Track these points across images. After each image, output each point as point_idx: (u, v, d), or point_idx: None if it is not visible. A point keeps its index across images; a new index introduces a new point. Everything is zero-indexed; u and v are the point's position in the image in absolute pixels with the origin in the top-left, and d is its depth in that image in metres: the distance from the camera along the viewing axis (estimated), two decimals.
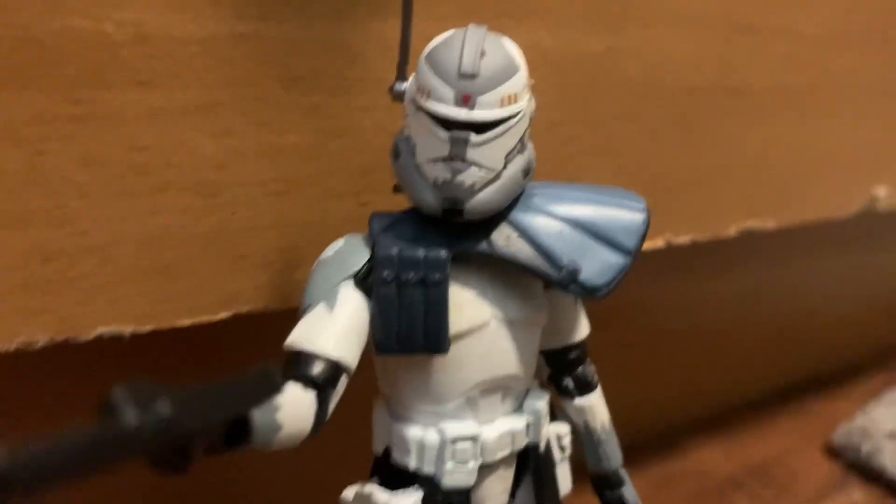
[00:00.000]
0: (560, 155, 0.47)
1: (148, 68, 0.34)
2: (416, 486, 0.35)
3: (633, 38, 0.49)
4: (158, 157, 0.35)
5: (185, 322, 0.38)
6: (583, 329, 0.40)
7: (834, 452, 0.74)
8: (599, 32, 0.47)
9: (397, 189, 0.35)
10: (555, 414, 0.40)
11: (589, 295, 0.35)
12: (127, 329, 0.36)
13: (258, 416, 0.27)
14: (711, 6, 0.53)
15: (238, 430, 0.27)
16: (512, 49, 0.33)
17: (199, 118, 0.35)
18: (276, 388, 0.25)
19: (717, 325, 0.75)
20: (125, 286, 0.36)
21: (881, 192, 0.67)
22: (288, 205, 0.38)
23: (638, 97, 0.50)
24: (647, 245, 0.53)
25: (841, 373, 0.88)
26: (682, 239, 0.55)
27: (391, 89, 0.34)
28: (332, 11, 0.38)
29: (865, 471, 0.71)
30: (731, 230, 0.58)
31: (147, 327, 0.37)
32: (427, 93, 0.32)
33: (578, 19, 0.46)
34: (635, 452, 0.70)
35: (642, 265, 0.63)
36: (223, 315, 0.38)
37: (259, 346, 0.34)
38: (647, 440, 0.72)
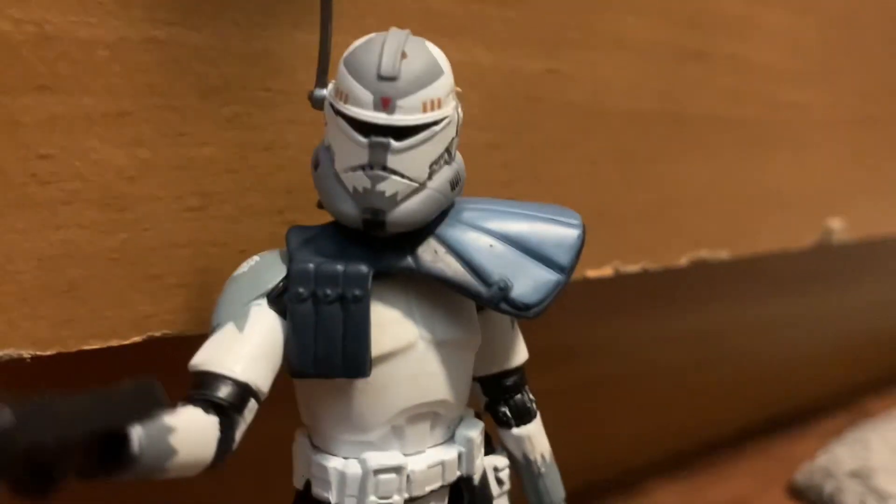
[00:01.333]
0: (498, 179, 0.45)
1: (50, 72, 0.32)
2: None
3: (573, 61, 0.48)
4: (62, 166, 0.33)
5: (93, 346, 0.35)
6: (520, 354, 0.38)
7: (796, 493, 0.72)
8: (538, 54, 0.46)
9: (321, 205, 0.33)
10: (492, 446, 0.38)
11: (521, 313, 0.33)
12: (26, 353, 0.34)
13: (143, 437, 0.24)
14: (656, 32, 0.52)
15: (115, 451, 0.24)
16: (436, 52, 0.32)
17: (108, 127, 0.33)
18: (155, 403, 0.23)
19: (676, 366, 0.73)
20: (25, 306, 0.33)
21: (835, 224, 0.66)
22: (205, 221, 0.36)
23: (579, 123, 0.49)
24: (597, 274, 0.52)
25: (802, 413, 0.86)
26: (632, 268, 0.53)
27: (310, 95, 0.33)
28: (252, 21, 0.36)
29: None
30: (683, 260, 0.56)
31: (50, 351, 0.34)
32: (345, 96, 0.30)
33: (516, 38, 0.45)
34: (593, 495, 0.68)
35: (597, 299, 0.62)
36: (135, 339, 0.36)
37: (174, 371, 0.32)
38: (604, 483, 0.70)
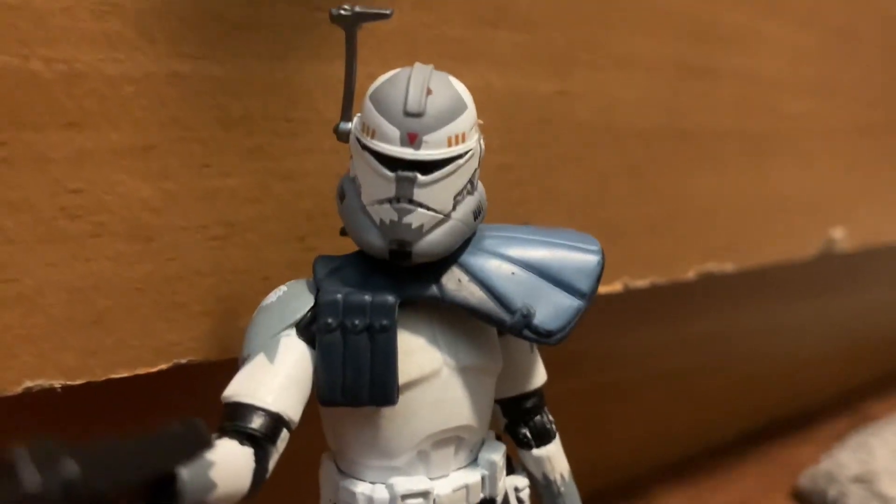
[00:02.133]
0: (510, 199, 0.46)
1: (78, 108, 0.32)
2: None
3: (582, 81, 0.48)
4: (90, 200, 0.33)
5: (121, 374, 0.36)
6: (539, 376, 0.39)
7: (800, 498, 0.73)
8: (548, 76, 0.46)
9: (344, 233, 0.34)
10: (512, 466, 0.39)
11: (543, 340, 0.34)
12: (57, 383, 0.34)
13: (188, 474, 0.25)
14: (661, 49, 0.53)
15: (164, 490, 0.24)
16: (459, 87, 0.32)
17: (134, 160, 0.34)
18: (203, 444, 0.23)
19: (680, 372, 0.74)
20: (55, 337, 0.34)
21: (837, 233, 0.67)
22: (228, 250, 0.37)
23: (589, 141, 0.49)
24: (606, 289, 0.53)
25: (805, 417, 0.87)
26: (641, 283, 0.54)
27: (336, 129, 0.33)
28: (273, 52, 0.36)
29: None
30: (690, 273, 0.57)
31: (79, 381, 0.35)
32: (372, 132, 0.31)
33: (527, 62, 0.45)
34: (599, 500, 0.68)
35: (605, 312, 0.62)
36: (161, 366, 0.36)
37: (200, 398, 0.32)
38: (610, 488, 0.70)
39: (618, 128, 0.51)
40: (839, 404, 0.90)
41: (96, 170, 0.33)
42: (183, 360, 0.37)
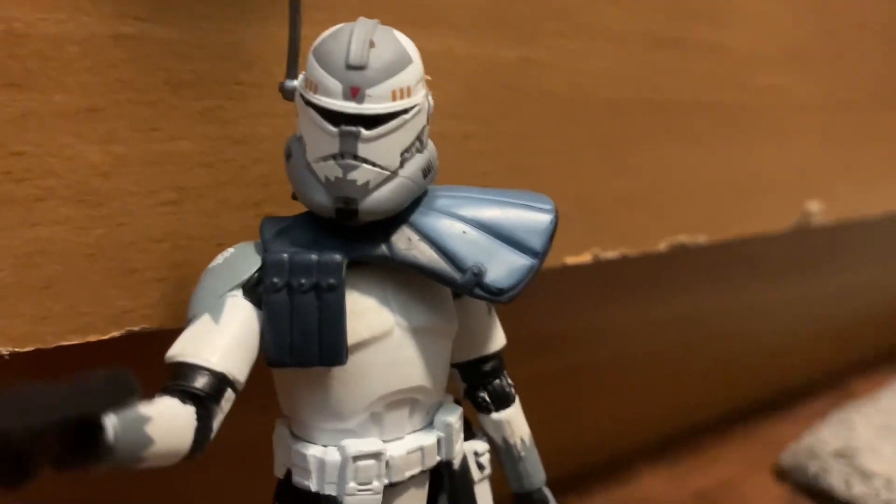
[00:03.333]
0: (475, 170, 0.46)
1: (21, 69, 0.32)
2: None
3: (549, 49, 0.48)
4: (36, 163, 0.33)
5: (72, 342, 0.35)
6: (498, 340, 0.38)
7: (782, 475, 0.72)
8: (514, 43, 0.46)
9: (296, 197, 0.33)
10: (472, 432, 0.38)
11: (495, 298, 0.33)
12: (5, 350, 0.34)
13: (118, 426, 0.24)
14: (631, 19, 0.53)
15: (90, 440, 0.24)
16: (404, 41, 0.32)
17: (80, 123, 0.33)
18: (129, 391, 0.23)
19: (660, 351, 0.74)
20: (2, 303, 0.33)
21: (814, 207, 0.67)
22: (181, 216, 0.36)
23: (556, 111, 0.49)
24: (575, 260, 0.52)
25: (788, 397, 0.87)
26: (611, 254, 0.53)
27: (281, 87, 0.33)
28: (223, 15, 0.36)
29: (814, 492, 0.69)
30: (662, 245, 0.57)
31: (28, 347, 0.34)
32: (315, 87, 0.31)
33: (491, 29, 0.45)
34: (579, 481, 0.68)
35: (576, 286, 0.62)
36: (113, 334, 0.36)
37: (154, 367, 0.32)
38: (590, 469, 0.70)
39: (586, 99, 0.50)
40: (823, 384, 0.90)
41: (41, 132, 0.33)
42: (136, 328, 0.36)
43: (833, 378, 0.92)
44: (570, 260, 0.51)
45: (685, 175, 0.58)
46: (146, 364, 0.34)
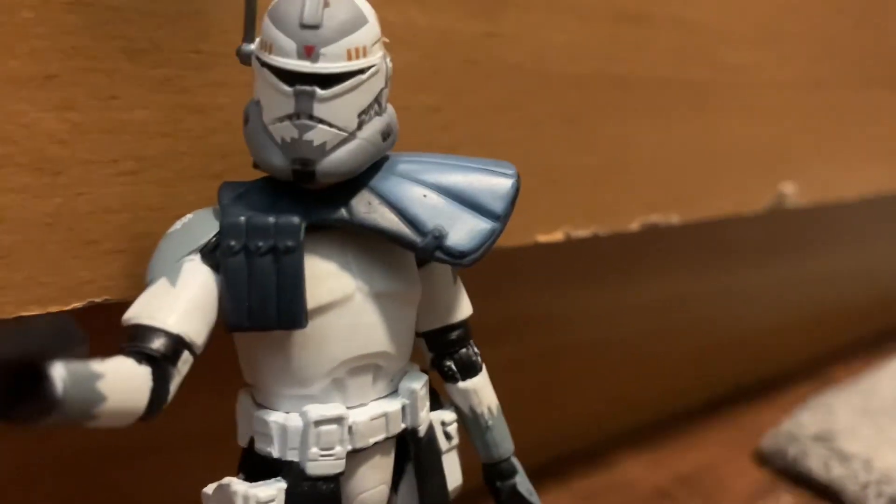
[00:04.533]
0: (439, 143, 0.45)
1: None
2: (280, 476, 0.33)
3: (512, 23, 0.48)
4: None
5: (32, 312, 0.35)
6: (464, 308, 0.38)
7: (763, 459, 0.72)
8: (476, 15, 0.46)
9: (256, 165, 0.33)
10: (440, 402, 0.38)
11: (456, 261, 0.33)
12: None
13: (67, 378, 0.24)
14: None
15: (36, 390, 0.23)
16: (359, 1, 0.32)
17: (36, 90, 0.33)
18: (70, 338, 0.22)
19: (639, 336, 0.74)
20: None
21: (788, 188, 0.67)
22: (140, 186, 0.36)
23: (520, 86, 0.49)
24: (547, 238, 0.52)
25: (770, 383, 0.87)
26: (583, 232, 0.53)
27: (238, 51, 0.33)
28: None
29: (793, 475, 0.70)
30: (634, 225, 0.57)
31: None
32: (269, 47, 0.31)
33: (453, 1, 0.45)
34: (559, 466, 0.68)
35: (549, 266, 0.62)
36: (75, 304, 0.35)
37: (117, 338, 0.31)
38: (570, 453, 0.70)
39: (551, 73, 0.50)
40: (802, 369, 0.90)
41: None
42: (98, 299, 0.36)
43: (813, 364, 0.92)
44: (542, 238, 0.51)
45: (654, 152, 0.57)
46: (108, 336, 0.34)
